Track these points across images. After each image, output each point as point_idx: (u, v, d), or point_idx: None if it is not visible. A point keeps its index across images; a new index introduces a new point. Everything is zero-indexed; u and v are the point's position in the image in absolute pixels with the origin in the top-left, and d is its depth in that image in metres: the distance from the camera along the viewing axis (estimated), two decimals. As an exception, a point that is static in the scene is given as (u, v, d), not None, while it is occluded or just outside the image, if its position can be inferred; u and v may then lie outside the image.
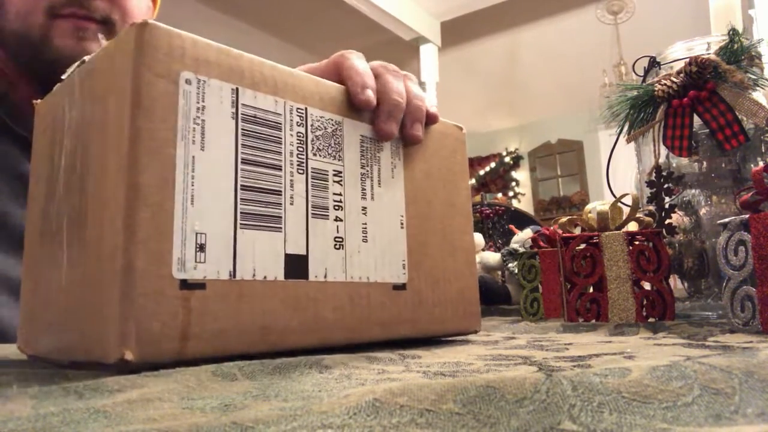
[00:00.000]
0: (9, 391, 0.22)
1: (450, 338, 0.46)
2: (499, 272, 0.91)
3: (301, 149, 0.36)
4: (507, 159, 5.38)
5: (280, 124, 0.35)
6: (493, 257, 0.90)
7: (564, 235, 0.62)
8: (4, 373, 0.29)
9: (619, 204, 0.61)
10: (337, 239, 0.36)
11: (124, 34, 0.30)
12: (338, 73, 0.44)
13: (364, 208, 0.38)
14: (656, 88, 0.60)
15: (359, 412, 0.17)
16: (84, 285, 0.30)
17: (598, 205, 0.62)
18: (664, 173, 0.59)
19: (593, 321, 0.56)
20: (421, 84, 4.10)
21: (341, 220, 0.37)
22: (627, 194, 0.62)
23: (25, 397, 0.21)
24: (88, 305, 0.29)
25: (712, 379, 0.19)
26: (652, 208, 0.60)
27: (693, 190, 0.62)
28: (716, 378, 0.19)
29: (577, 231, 0.65)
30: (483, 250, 0.94)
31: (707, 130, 0.58)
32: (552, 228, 0.72)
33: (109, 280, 0.28)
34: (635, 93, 0.62)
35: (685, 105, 0.58)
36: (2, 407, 0.20)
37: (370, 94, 0.41)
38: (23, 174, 0.63)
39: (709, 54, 0.58)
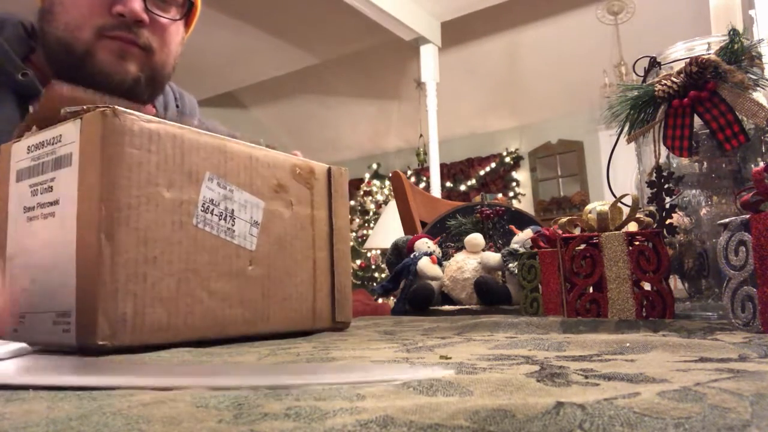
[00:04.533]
0: (25, 394, 0.22)
1: (452, 338, 0.46)
2: (500, 272, 0.91)
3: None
4: (507, 159, 5.38)
5: None
6: (493, 257, 0.90)
7: (564, 235, 0.62)
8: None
9: (619, 204, 0.61)
10: None
11: None
12: None
13: None
14: (656, 89, 0.60)
15: (371, 422, 0.17)
16: None
17: (598, 205, 0.62)
18: (665, 173, 0.60)
19: (594, 318, 0.56)
20: (421, 84, 4.10)
21: None
22: (627, 194, 0.62)
23: (40, 399, 0.21)
24: None
25: (723, 399, 0.19)
26: (652, 208, 0.60)
27: (693, 191, 0.62)
28: (727, 399, 0.19)
29: (577, 231, 0.65)
30: (483, 250, 0.94)
31: (707, 131, 0.58)
32: (552, 228, 0.72)
33: None
34: (635, 93, 0.62)
35: (685, 105, 0.58)
36: (19, 408, 0.20)
37: None
38: None
39: (709, 54, 0.58)
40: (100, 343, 0.38)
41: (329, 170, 0.59)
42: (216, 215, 0.46)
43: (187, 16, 0.82)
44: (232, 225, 0.47)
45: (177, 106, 0.89)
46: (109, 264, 0.39)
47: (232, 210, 0.47)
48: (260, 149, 0.51)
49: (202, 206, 0.45)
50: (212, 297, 0.45)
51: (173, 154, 0.43)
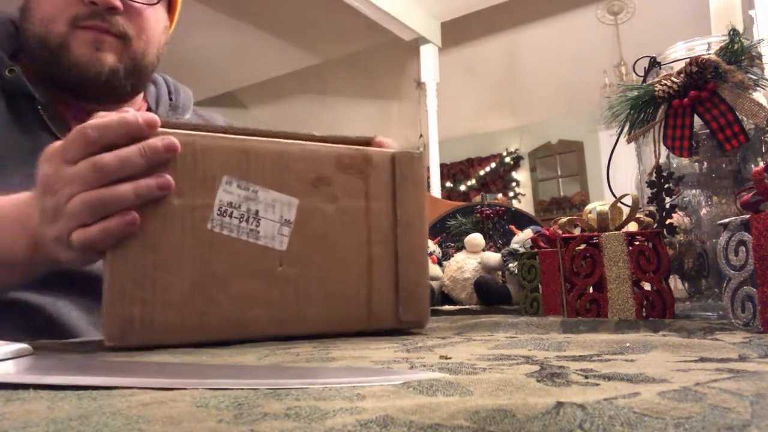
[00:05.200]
0: (25, 394, 0.22)
1: (452, 338, 0.46)
2: (500, 272, 0.91)
3: None
4: (507, 159, 5.38)
5: None
6: (493, 257, 0.90)
7: (564, 235, 0.62)
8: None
9: (619, 204, 0.61)
10: None
11: None
12: None
13: None
14: (657, 89, 0.60)
15: (371, 422, 0.17)
16: None
17: (598, 205, 0.62)
18: (665, 173, 0.60)
19: (594, 318, 0.56)
20: (421, 84, 4.10)
21: None
22: (627, 195, 0.62)
23: (40, 399, 0.21)
24: None
25: (723, 399, 0.19)
26: (652, 208, 0.60)
27: (693, 191, 0.62)
28: (727, 399, 0.19)
29: (577, 231, 0.65)
30: (483, 250, 0.94)
31: (708, 131, 0.58)
32: (552, 228, 0.72)
33: None
34: (635, 93, 0.62)
35: (685, 105, 0.58)
36: (19, 408, 0.20)
37: None
38: None
39: (709, 54, 0.58)
40: (108, 343, 0.41)
41: (394, 156, 0.53)
42: (236, 218, 0.46)
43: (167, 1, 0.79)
44: (257, 226, 0.46)
45: (171, 100, 0.87)
46: (119, 270, 0.42)
47: (257, 211, 0.47)
48: (295, 144, 0.49)
49: (219, 210, 0.45)
50: (232, 299, 0.45)
51: (184, 162, 0.44)
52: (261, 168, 0.47)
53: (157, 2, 0.76)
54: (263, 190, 0.47)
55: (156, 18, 0.76)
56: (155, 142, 0.43)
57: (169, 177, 0.44)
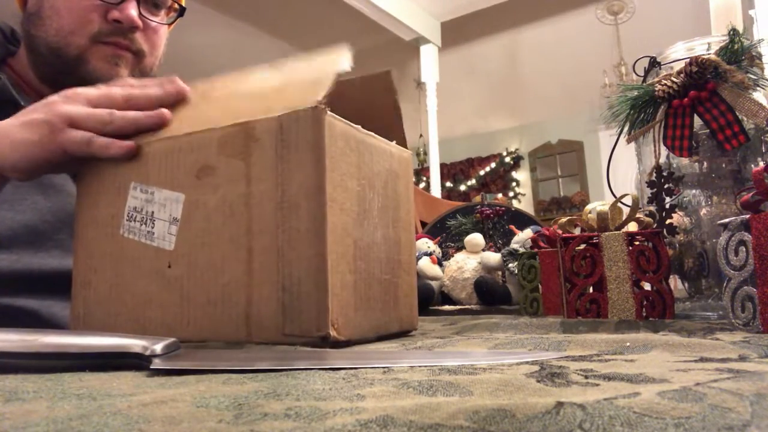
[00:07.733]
0: (25, 394, 0.22)
1: (452, 337, 0.46)
2: (500, 272, 0.91)
3: None
4: (507, 159, 5.38)
5: None
6: (493, 257, 0.90)
7: (564, 235, 0.62)
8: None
9: (619, 204, 0.61)
10: None
11: None
12: None
13: None
14: (656, 89, 0.60)
15: (371, 422, 0.17)
16: None
17: (598, 205, 0.62)
18: (665, 173, 0.60)
19: (594, 318, 0.56)
20: (421, 84, 4.10)
21: None
22: (627, 194, 0.62)
23: (40, 399, 0.21)
24: None
25: (723, 399, 0.19)
26: (652, 208, 0.60)
27: (693, 191, 0.62)
28: (727, 399, 0.19)
29: (577, 231, 0.65)
30: (483, 250, 0.94)
31: (708, 131, 0.58)
32: (552, 228, 0.72)
33: None
34: (635, 93, 0.62)
35: (685, 105, 0.58)
36: (19, 408, 0.20)
37: None
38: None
39: (709, 54, 0.58)
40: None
41: (281, 122, 0.42)
42: (138, 221, 0.47)
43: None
44: (152, 227, 0.46)
45: None
46: (75, 271, 0.50)
47: (152, 212, 0.46)
48: (183, 136, 0.46)
49: (127, 216, 0.48)
50: (135, 301, 0.47)
51: (105, 173, 0.49)
52: (156, 168, 0.47)
53: (174, 21, 0.78)
54: (158, 190, 0.47)
55: (164, 33, 0.79)
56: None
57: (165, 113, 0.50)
